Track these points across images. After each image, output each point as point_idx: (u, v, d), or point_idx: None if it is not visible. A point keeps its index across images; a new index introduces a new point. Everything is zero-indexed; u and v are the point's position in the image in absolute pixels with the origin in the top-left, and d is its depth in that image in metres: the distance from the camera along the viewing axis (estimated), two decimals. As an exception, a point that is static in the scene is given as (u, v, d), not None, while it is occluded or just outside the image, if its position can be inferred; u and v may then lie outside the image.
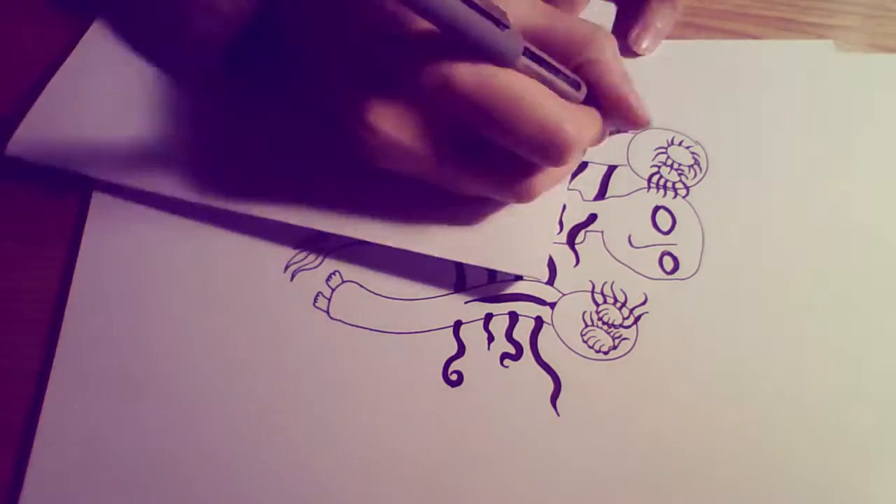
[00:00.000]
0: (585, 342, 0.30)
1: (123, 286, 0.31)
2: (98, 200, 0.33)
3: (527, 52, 0.25)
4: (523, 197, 0.29)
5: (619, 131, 0.34)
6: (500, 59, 0.25)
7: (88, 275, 0.32)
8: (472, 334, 0.30)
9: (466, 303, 0.31)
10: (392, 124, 0.27)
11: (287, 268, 0.32)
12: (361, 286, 0.31)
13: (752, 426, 0.28)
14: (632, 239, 0.32)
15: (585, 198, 0.33)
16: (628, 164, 0.34)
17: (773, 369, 0.29)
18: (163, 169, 0.32)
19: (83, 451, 0.29)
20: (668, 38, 0.37)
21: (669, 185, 0.33)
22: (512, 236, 0.31)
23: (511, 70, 0.25)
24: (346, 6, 0.28)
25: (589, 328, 0.30)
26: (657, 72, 0.36)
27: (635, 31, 0.36)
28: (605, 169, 0.34)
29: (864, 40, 0.37)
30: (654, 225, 0.32)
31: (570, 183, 0.33)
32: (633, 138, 0.34)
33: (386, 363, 0.30)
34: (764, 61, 0.36)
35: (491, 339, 0.30)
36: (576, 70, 0.28)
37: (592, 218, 0.33)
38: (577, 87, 0.28)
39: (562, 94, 0.27)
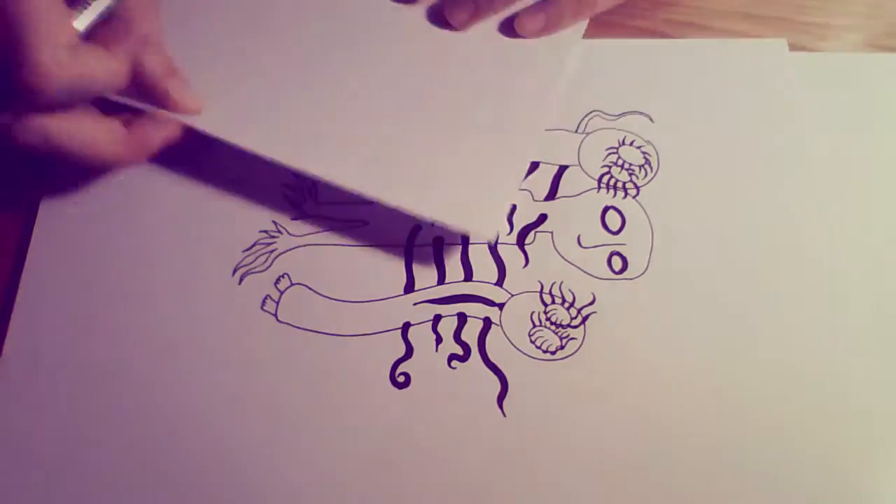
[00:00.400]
0: (533, 342, 0.30)
1: (69, 292, 0.31)
2: (46, 210, 0.33)
3: None
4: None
5: None
6: None
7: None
8: (421, 336, 0.30)
9: (415, 304, 0.31)
10: None
11: (236, 270, 0.32)
12: (310, 289, 0.31)
13: (698, 425, 0.29)
14: (581, 239, 0.32)
15: (536, 198, 0.33)
16: (579, 164, 0.34)
17: (719, 369, 0.29)
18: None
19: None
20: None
21: (620, 185, 0.33)
22: (470, 194, 0.30)
23: None
24: None
25: (537, 328, 0.30)
26: (609, 71, 0.36)
27: (523, 13, 0.35)
28: (555, 169, 0.34)
29: (863, 40, 0.37)
30: (604, 225, 0.32)
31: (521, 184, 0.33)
32: (584, 139, 0.34)
33: (333, 366, 0.30)
34: (716, 60, 0.36)
35: (439, 340, 0.30)
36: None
37: (542, 218, 0.33)
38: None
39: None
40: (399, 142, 0.32)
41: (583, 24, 0.36)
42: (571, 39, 0.35)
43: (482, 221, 0.30)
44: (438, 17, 0.36)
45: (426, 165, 0.31)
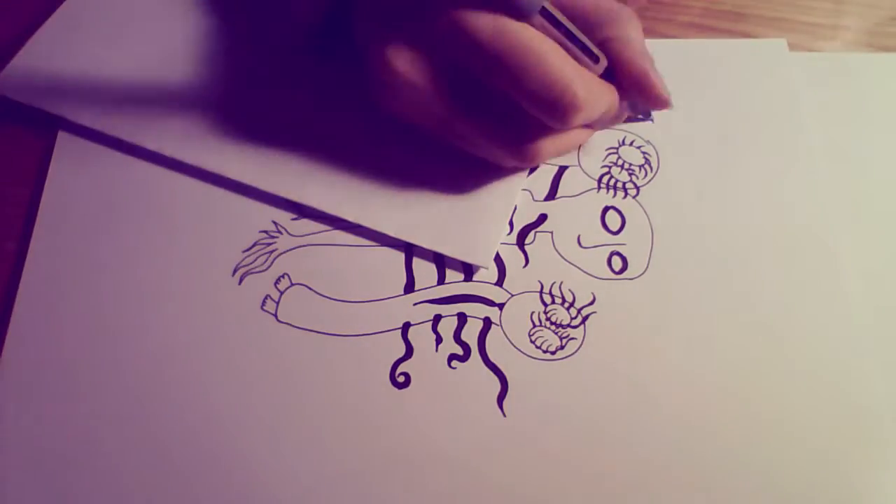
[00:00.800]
0: (533, 342, 0.30)
1: (69, 291, 0.31)
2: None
3: (545, 12, 0.26)
4: (526, 158, 0.30)
5: (637, 118, 0.34)
6: (517, 11, 0.26)
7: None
8: (421, 336, 0.30)
9: (415, 304, 0.31)
10: (406, 61, 0.27)
11: (236, 271, 0.32)
12: (310, 289, 0.31)
13: (698, 425, 0.29)
14: (581, 239, 0.32)
15: (536, 198, 0.33)
16: (579, 164, 0.34)
17: (719, 368, 0.29)
18: (148, 121, 0.33)
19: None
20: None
21: (620, 185, 0.33)
22: (465, 224, 0.31)
23: (526, 25, 0.26)
24: None
25: (537, 328, 0.30)
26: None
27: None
28: (555, 169, 0.34)
29: (863, 40, 0.37)
30: (604, 225, 0.32)
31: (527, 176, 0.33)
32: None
33: (333, 366, 0.30)
34: (716, 60, 0.36)
35: (439, 340, 0.30)
36: (599, 45, 0.29)
37: (542, 218, 0.33)
38: (596, 59, 0.28)
39: (578, 61, 0.28)
40: (393, 175, 0.33)
41: None
42: None
43: (477, 251, 0.31)
44: None
45: (421, 197, 0.32)
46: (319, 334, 0.30)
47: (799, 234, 0.32)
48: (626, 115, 0.32)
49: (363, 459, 0.28)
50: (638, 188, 0.33)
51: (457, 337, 0.30)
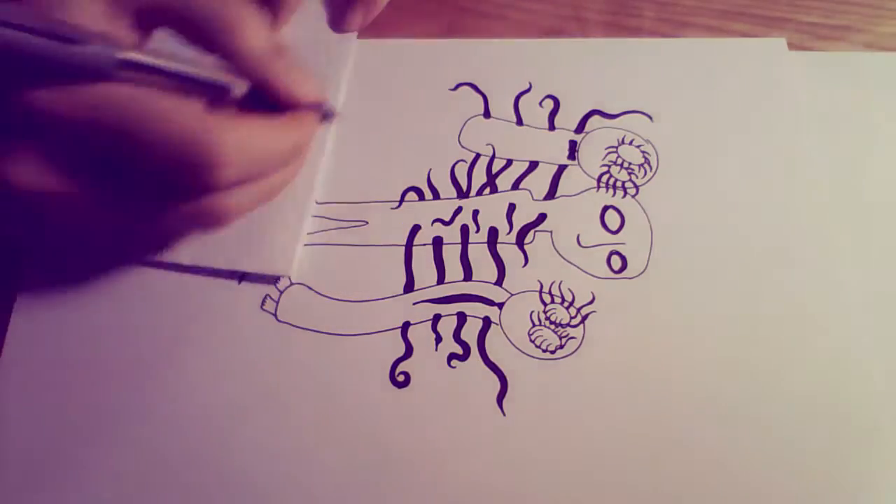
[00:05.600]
0: (533, 342, 0.30)
1: (69, 290, 0.31)
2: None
3: (128, 63, 0.22)
4: (211, 224, 0.25)
5: (324, 120, 0.30)
6: (92, 74, 0.22)
7: None
8: (420, 335, 0.30)
9: (415, 304, 0.31)
10: (27, 173, 0.23)
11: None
12: (310, 288, 0.31)
13: (698, 424, 0.29)
14: (580, 238, 0.32)
15: (535, 197, 0.33)
16: (578, 163, 0.34)
17: (718, 367, 0.29)
18: None
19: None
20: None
21: (619, 184, 0.33)
22: (259, 236, 0.31)
23: (115, 84, 0.22)
24: None
25: (536, 328, 0.30)
26: (608, 71, 0.36)
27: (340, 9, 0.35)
28: (555, 168, 0.34)
29: (863, 40, 0.37)
30: (603, 224, 0.32)
31: (520, 183, 0.33)
32: (583, 138, 0.34)
33: (333, 365, 0.30)
34: (716, 60, 0.36)
35: (439, 339, 0.30)
36: (227, 59, 0.25)
37: (542, 217, 0.33)
38: (228, 88, 0.25)
39: (214, 97, 0.24)
40: None
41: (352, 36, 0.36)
42: (342, 60, 0.36)
43: (276, 261, 0.31)
44: None
45: None
46: (319, 334, 0.31)
47: (798, 234, 0.32)
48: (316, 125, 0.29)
49: (363, 459, 0.28)
50: (637, 187, 0.33)
51: (456, 336, 0.30)
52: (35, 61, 0.21)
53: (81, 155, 0.23)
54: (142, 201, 0.24)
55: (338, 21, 0.35)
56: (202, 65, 0.24)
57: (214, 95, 0.24)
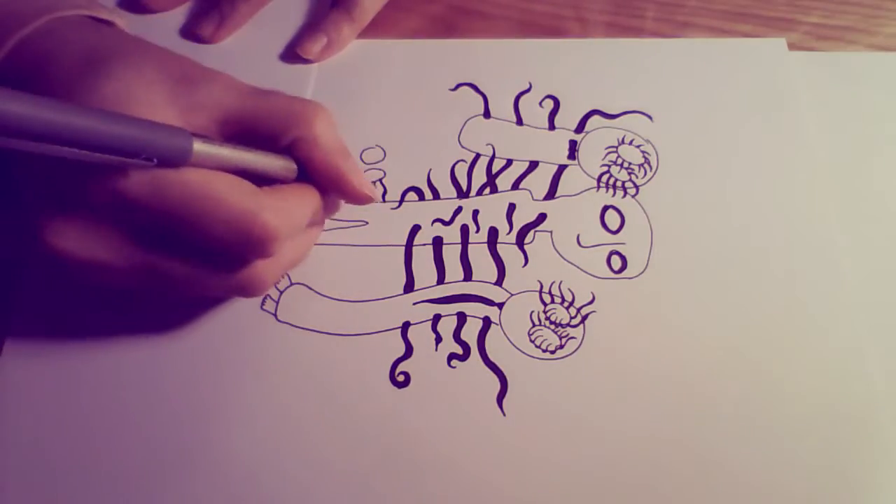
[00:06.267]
0: (532, 342, 0.30)
1: (68, 290, 0.31)
2: None
3: (202, 146, 0.24)
4: (250, 291, 0.28)
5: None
6: (169, 164, 0.23)
7: None
8: (420, 335, 0.30)
9: (415, 304, 0.31)
10: (77, 243, 0.25)
11: (235, 270, 0.32)
12: (310, 288, 0.31)
13: (698, 424, 0.28)
14: (580, 238, 0.32)
15: (535, 197, 0.33)
16: (578, 163, 0.34)
17: (718, 367, 0.29)
18: None
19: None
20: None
21: (619, 184, 0.33)
22: None
23: (187, 169, 0.24)
24: None
25: (536, 328, 0.30)
26: (609, 71, 0.36)
27: (306, 37, 0.37)
28: (555, 168, 0.34)
29: (863, 40, 0.37)
30: (603, 224, 0.32)
31: (520, 183, 0.33)
32: (583, 137, 0.34)
33: (333, 365, 0.30)
34: (716, 60, 0.36)
35: (439, 339, 0.30)
36: (288, 149, 0.27)
37: (542, 218, 0.33)
38: (285, 179, 0.27)
39: (268, 178, 0.26)
40: None
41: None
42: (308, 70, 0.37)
43: None
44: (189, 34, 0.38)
45: None
46: (319, 334, 0.31)
47: (799, 233, 0.32)
48: (340, 203, 0.31)
49: (363, 458, 0.28)
50: (637, 187, 0.33)
51: (456, 336, 0.30)
52: (108, 147, 0.22)
53: (136, 231, 0.25)
54: (189, 269, 0.26)
55: (299, 47, 0.37)
56: (256, 151, 0.26)
57: (270, 175, 0.27)
